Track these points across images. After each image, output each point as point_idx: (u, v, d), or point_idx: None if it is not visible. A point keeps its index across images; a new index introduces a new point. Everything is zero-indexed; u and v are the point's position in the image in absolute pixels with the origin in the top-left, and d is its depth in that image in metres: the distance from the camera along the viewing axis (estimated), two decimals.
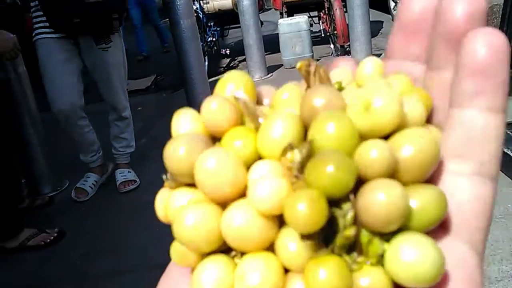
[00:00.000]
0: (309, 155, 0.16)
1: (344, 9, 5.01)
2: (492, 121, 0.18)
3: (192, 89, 3.94)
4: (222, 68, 5.79)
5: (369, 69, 0.20)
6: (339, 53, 5.46)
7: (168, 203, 0.20)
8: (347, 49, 5.17)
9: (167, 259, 0.24)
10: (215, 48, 5.96)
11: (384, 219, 0.16)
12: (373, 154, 0.16)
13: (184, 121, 0.21)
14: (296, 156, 0.17)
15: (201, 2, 5.81)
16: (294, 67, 5.25)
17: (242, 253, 0.18)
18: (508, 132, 2.62)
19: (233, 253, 0.18)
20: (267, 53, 5.38)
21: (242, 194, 0.18)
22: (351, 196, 0.16)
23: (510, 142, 2.49)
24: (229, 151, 0.18)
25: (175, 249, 0.20)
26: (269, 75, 5.17)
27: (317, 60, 5.34)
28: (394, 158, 0.17)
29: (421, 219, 0.17)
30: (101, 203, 2.88)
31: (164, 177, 0.22)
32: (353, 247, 0.17)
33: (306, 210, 0.15)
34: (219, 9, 6.06)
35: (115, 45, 2.68)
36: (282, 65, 5.38)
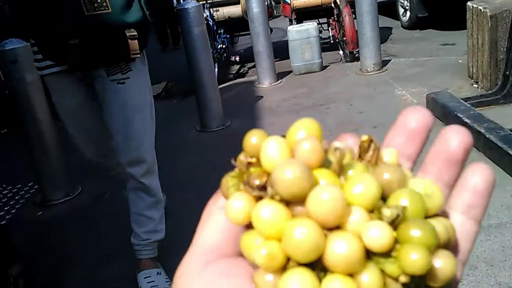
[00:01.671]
0: (400, 217, 0.22)
1: (353, 16, 5.03)
2: (475, 228, 0.26)
3: (203, 96, 3.98)
4: (232, 75, 5.82)
5: (387, 157, 0.26)
6: (348, 59, 5.47)
7: (259, 213, 0.23)
8: (356, 55, 5.18)
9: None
10: (225, 55, 6.00)
11: (443, 279, 0.23)
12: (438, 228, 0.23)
13: (276, 147, 0.24)
14: (393, 212, 0.22)
15: (211, 9, 5.86)
16: (303, 73, 5.29)
17: (327, 271, 0.22)
18: (511, 133, 2.61)
19: (317, 270, 0.22)
20: (277, 59, 5.41)
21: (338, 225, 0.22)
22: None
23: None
24: (338, 187, 0.22)
25: (251, 246, 0.23)
26: (279, 81, 5.19)
27: (327, 66, 5.36)
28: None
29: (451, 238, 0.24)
30: (114, 209, 2.90)
31: (236, 175, 0.25)
32: None
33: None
34: (229, 17, 6.10)
35: (137, 75, 1.84)
36: (291, 71, 5.40)
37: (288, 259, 0.22)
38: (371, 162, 0.25)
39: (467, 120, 2.98)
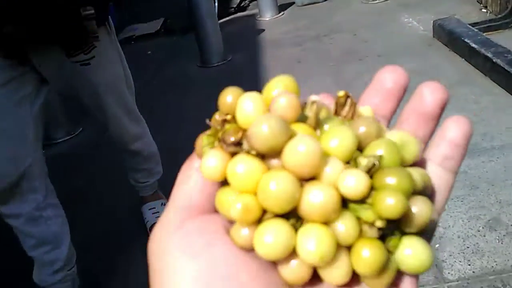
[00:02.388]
0: (376, 166, 0.22)
1: None
2: (450, 180, 0.26)
3: (202, 31, 3.88)
4: (233, 9, 5.65)
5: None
6: None
7: (235, 168, 0.22)
8: None
9: None
10: None
11: (418, 224, 0.23)
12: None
13: (252, 103, 0.23)
14: (369, 161, 0.22)
15: None
16: (306, 5, 5.12)
17: (302, 221, 0.22)
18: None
19: (292, 220, 0.22)
20: None
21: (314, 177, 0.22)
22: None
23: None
24: (315, 138, 0.22)
25: (226, 202, 0.23)
26: (281, 13, 5.04)
27: None
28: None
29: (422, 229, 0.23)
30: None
31: (212, 132, 0.25)
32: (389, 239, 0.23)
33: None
34: None
35: (104, 50, 1.53)
36: (293, 3, 5.23)
37: (264, 212, 0.22)
38: (347, 117, 0.25)
39: (474, 45, 2.88)
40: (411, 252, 0.22)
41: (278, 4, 5.06)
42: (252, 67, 3.66)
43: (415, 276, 0.24)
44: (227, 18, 5.32)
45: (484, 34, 3.11)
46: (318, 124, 0.24)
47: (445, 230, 1.70)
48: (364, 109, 0.26)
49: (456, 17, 3.49)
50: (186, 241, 0.23)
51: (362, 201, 0.22)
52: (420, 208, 0.22)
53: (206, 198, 0.24)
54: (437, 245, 1.64)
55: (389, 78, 0.27)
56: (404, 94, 0.28)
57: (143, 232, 2.00)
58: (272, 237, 0.21)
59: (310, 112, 0.24)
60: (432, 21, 3.49)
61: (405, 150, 0.24)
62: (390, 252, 0.22)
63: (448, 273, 1.52)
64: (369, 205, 0.22)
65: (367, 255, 0.21)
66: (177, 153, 2.64)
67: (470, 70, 2.86)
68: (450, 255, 1.59)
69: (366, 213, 0.21)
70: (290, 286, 0.23)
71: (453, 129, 0.26)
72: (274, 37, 4.36)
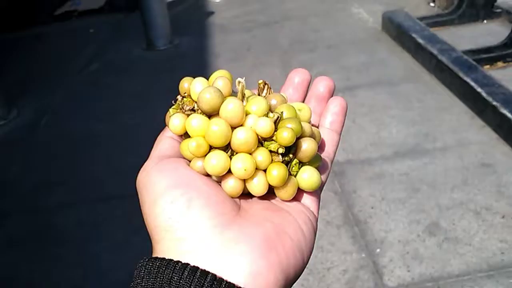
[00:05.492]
0: (280, 117, 0.34)
1: None
2: (336, 137, 0.41)
3: (148, 11, 3.72)
4: None
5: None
6: None
7: (190, 121, 0.33)
8: None
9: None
10: None
11: (308, 155, 0.34)
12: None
13: (200, 84, 0.34)
14: (274, 114, 0.33)
15: None
16: None
17: (235, 152, 0.33)
18: (468, 59, 2.59)
19: (229, 152, 0.33)
20: None
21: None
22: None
23: (469, 70, 2.46)
24: (239, 100, 0.33)
25: (187, 147, 0.33)
26: None
27: None
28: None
29: (314, 162, 0.35)
30: (52, 134, 2.76)
31: (176, 106, 0.35)
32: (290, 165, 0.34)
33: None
34: None
35: None
36: None
37: (210, 148, 0.33)
38: (266, 97, 0.36)
39: (420, 41, 2.92)
40: (306, 175, 0.34)
41: None
42: (200, 54, 3.55)
43: (315, 195, 0.36)
44: None
45: (431, 29, 3.15)
46: (243, 97, 0.34)
47: (387, 234, 1.71)
48: (279, 95, 0.37)
49: (405, 10, 3.52)
50: (161, 169, 0.33)
51: (270, 138, 0.33)
52: (308, 144, 0.33)
53: (175, 152, 0.35)
54: (378, 250, 1.65)
55: (297, 75, 0.40)
56: (308, 86, 0.41)
57: (77, 229, 1.91)
58: (215, 160, 0.32)
59: (238, 87, 0.34)
60: (381, 13, 3.50)
61: (301, 112, 0.36)
62: (292, 175, 0.34)
63: (388, 279, 1.54)
64: (274, 141, 0.33)
65: (275, 173, 0.32)
66: (109, 140, 2.54)
67: (416, 66, 2.90)
68: (391, 260, 1.60)
69: (273, 145, 0.33)
70: (231, 197, 0.33)
71: (334, 104, 0.40)
72: (224, 21, 4.25)
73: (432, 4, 3.88)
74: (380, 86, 2.70)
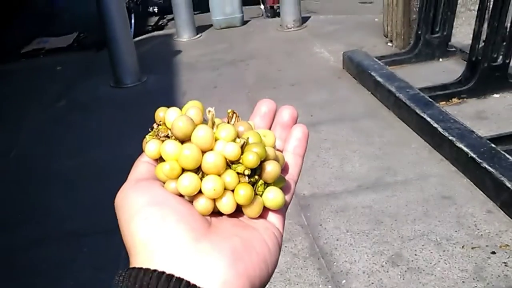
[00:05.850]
0: (246, 143, 0.36)
1: None
2: (299, 160, 0.43)
3: (116, 49, 3.76)
4: (150, 27, 5.57)
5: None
6: (269, 14, 5.40)
7: (164, 147, 0.36)
8: (277, 10, 5.12)
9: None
10: (141, 6, 5.70)
11: (272, 176, 0.37)
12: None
13: (174, 113, 0.37)
14: (241, 140, 0.36)
15: None
16: (223, 28, 5.16)
17: (205, 174, 0.36)
18: (425, 96, 2.72)
19: (200, 174, 0.36)
20: (196, 12, 5.22)
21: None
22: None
23: (426, 107, 2.59)
24: (209, 128, 0.36)
25: (161, 170, 0.36)
26: (198, 35, 5.03)
27: (248, 21, 5.26)
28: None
29: (279, 183, 0.38)
30: (18, 171, 2.71)
31: (152, 133, 0.38)
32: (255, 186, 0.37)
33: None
34: None
35: None
36: (211, 25, 5.24)
37: (182, 171, 0.35)
38: (234, 124, 0.39)
39: (379, 79, 3.05)
40: (271, 195, 0.37)
41: (196, 26, 5.05)
42: (168, 91, 3.60)
43: (280, 213, 0.39)
44: (144, 37, 5.21)
45: (389, 67, 3.31)
46: (213, 125, 0.38)
47: (351, 265, 1.75)
48: (246, 123, 0.41)
49: (364, 49, 3.68)
50: (137, 189, 0.36)
51: (237, 161, 0.36)
52: (272, 166, 0.37)
53: (151, 175, 0.37)
54: (343, 281, 1.69)
55: (265, 105, 0.44)
56: (274, 116, 0.44)
57: (43, 267, 1.87)
58: (187, 181, 0.35)
59: (208, 116, 0.38)
60: (342, 52, 3.65)
61: (266, 138, 0.39)
62: (258, 194, 0.37)
63: None
64: (241, 164, 0.36)
65: (242, 192, 0.35)
66: (75, 178, 2.50)
67: (376, 103, 3.02)
68: None
69: (240, 167, 0.35)
70: (202, 215, 0.35)
71: (297, 131, 0.43)
72: (191, 59, 4.33)
73: (390, 44, 4.07)
74: (342, 122, 2.80)
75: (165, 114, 0.38)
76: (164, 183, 0.37)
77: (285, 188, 0.39)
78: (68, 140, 2.99)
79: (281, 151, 0.42)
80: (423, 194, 2.10)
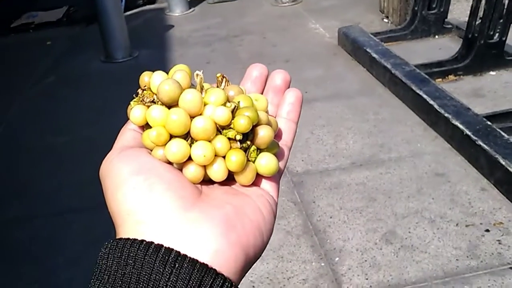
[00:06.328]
0: (237, 107, 0.35)
1: None
2: (293, 126, 0.41)
3: (106, 23, 3.68)
4: (141, 1, 5.44)
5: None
6: None
7: (150, 112, 0.34)
8: None
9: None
10: None
11: (265, 141, 0.35)
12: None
13: (159, 77, 0.35)
14: (232, 104, 0.35)
15: None
16: (217, 2, 5.06)
17: (194, 140, 0.34)
18: (421, 72, 2.69)
19: (189, 140, 0.34)
20: None
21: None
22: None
23: (422, 84, 2.56)
24: (197, 91, 0.34)
25: (148, 137, 0.34)
26: (191, 10, 4.93)
27: None
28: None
29: (272, 149, 0.37)
30: (7, 146, 2.67)
31: (137, 99, 0.36)
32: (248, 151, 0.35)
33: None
34: None
35: None
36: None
37: (171, 137, 0.34)
38: (224, 89, 0.37)
39: (374, 55, 3.01)
40: (264, 161, 0.35)
41: (189, 0, 4.95)
42: (159, 66, 3.43)
43: (274, 180, 0.37)
44: (135, 11, 5.11)
45: (385, 44, 3.26)
46: (202, 89, 0.35)
47: (345, 243, 1.74)
48: (238, 87, 0.38)
49: (360, 26, 3.62)
50: (123, 158, 0.34)
51: (228, 126, 0.34)
52: (264, 131, 0.35)
53: (137, 143, 0.36)
54: (337, 259, 1.68)
55: (256, 70, 0.41)
56: (266, 80, 0.41)
57: (33, 244, 1.85)
58: (176, 147, 0.33)
59: (196, 80, 0.35)
60: (337, 28, 3.59)
61: (258, 102, 0.37)
62: (250, 161, 0.35)
63: (347, 287, 1.56)
64: (232, 128, 0.34)
65: (234, 158, 0.33)
66: (62, 155, 2.48)
67: (371, 80, 2.98)
68: (349, 269, 1.63)
69: (231, 132, 0.34)
70: (192, 183, 0.34)
71: (290, 95, 0.41)
72: (184, 34, 4.25)
73: (385, 20, 4.01)
74: (337, 99, 2.76)
75: (150, 79, 0.36)
76: (151, 150, 0.35)
77: (278, 154, 0.37)
78: (58, 115, 2.94)
79: (274, 117, 0.40)
80: (417, 171, 2.08)
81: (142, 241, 0.29)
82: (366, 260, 1.66)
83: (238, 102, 0.35)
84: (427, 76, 2.65)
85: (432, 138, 2.30)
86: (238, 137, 0.34)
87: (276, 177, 0.37)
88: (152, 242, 0.29)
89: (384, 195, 1.95)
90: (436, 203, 1.89)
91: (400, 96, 2.70)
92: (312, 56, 3.42)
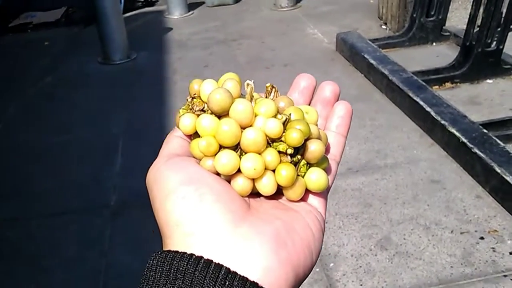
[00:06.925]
0: (288, 119, 0.34)
1: None
2: (342, 140, 0.40)
3: (105, 24, 3.68)
4: (140, 3, 5.45)
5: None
6: None
7: (200, 121, 0.33)
8: None
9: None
10: None
11: (316, 156, 0.34)
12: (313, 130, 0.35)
13: (210, 85, 0.34)
14: (283, 116, 0.34)
15: None
16: (216, 5, 5.07)
17: (244, 152, 0.33)
18: (418, 79, 2.70)
19: (239, 151, 0.33)
20: None
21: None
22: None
23: (419, 90, 2.57)
24: (248, 102, 0.34)
25: (197, 146, 0.34)
26: (190, 13, 4.94)
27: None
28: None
29: (322, 164, 0.35)
30: (4, 146, 2.66)
31: (185, 107, 0.36)
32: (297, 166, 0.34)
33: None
34: None
35: None
36: (203, 2, 5.15)
37: (220, 147, 0.33)
38: (274, 99, 0.36)
39: (372, 61, 3.02)
40: (314, 176, 0.34)
41: (188, 3, 4.96)
42: (157, 69, 3.53)
43: (322, 197, 0.36)
44: (134, 13, 5.11)
45: (383, 50, 3.27)
46: (252, 99, 0.35)
47: (340, 248, 1.74)
48: (286, 97, 0.38)
49: (358, 31, 3.64)
50: (172, 166, 0.33)
51: (279, 139, 0.33)
52: (315, 145, 0.34)
53: (184, 151, 0.35)
54: (331, 264, 1.67)
55: (303, 81, 0.41)
56: (313, 92, 0.41)
57: (30, 244, 1.84)
58: (226, 159, 0.32)
59: (246, 90, 0.35)
60: (335, 34, 3.60)
61: (308, 115, 0.36)
62: (299, 175, 0.34)
63: None
64: (282, 142, 0.33)
65: (284, 173, 0.33)
66: (61, 153, 2.48)
67: (368, 86, 2.99)
68: (344, 275, 1.63)
69: (282, 146, 0.33)
70: (240, 196, 0.33)
71: (340, 108, 0.40)
72: (182, 37, 4.25)
73: (384, 27, 4.03)
74: None
75: (200, 87, 0.35)
76: (199, 159, 0.34)
77: (327, 169, 0.37)
78: (55, 116, 2.93)
79: (323, 130, 0.39)
80: (412, 178, 2.09)
81: (192, 255, 0.28)
82: (360, 266, 1.65)
83: (290, 114, 0.34)
84: (424, 83, 2.66)
85: (428, 145, 2.31)
86: (290, 151, 0.33)
87: (324, 193, 0.36)
88: (201, 257, 0.28)
89: (380, 201, 1.96)
90: (431, 210, 1.89)
91: (397, 103, 2.71)
92: (310, 61, 3.42)
